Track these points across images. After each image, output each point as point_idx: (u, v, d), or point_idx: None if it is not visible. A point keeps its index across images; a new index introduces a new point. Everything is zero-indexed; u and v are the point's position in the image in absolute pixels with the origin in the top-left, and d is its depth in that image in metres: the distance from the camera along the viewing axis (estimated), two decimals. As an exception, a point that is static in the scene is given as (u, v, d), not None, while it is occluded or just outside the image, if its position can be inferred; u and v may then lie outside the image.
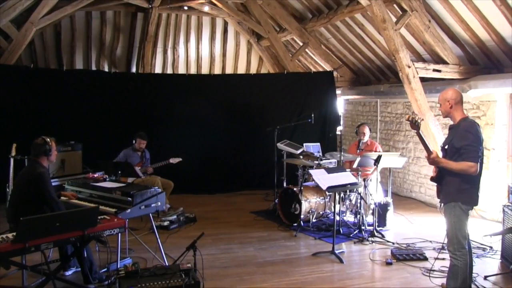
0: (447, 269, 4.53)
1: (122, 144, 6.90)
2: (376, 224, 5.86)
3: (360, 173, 6.09)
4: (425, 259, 4.90)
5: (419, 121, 3.79)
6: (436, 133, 6.56)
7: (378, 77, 9.07)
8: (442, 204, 3.80)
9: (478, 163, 3.52)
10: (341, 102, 10.49)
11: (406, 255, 4.95)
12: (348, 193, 6.32)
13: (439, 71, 6.47)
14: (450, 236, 3.72)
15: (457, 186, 3.65)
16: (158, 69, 10.78)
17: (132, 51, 10.35)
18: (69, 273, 4.41)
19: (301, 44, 9.73)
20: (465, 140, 3.57)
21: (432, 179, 3.92)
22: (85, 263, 4.03)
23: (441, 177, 3.79)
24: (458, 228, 3.65)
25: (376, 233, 5.73)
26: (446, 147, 3.78)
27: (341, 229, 5.91)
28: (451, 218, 3.68)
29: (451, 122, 3.81)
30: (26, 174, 4.10)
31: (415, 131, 3.85)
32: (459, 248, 3.64)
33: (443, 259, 4.87)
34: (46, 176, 4.03)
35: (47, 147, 4.09)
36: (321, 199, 6.24)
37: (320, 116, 8.60)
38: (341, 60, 9.54)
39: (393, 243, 5.46)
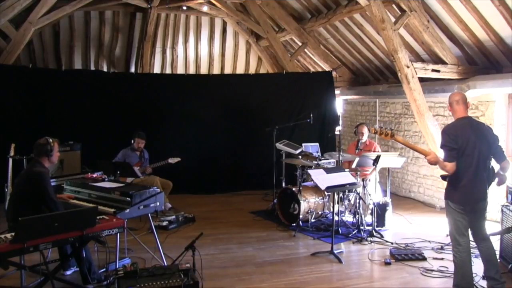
0: (446, 269, 4.60)
1: (121, 144, 6.90)
2: (375, 224, 5.86)
3: (359, 173, 6.10)
4: (424, 259, 4.90)
5: (387, 131, 4.03)
6: (434, 133, 6.56)
7: (377, 77, 9.08)
8: None
9: (453, 163, 3.67)
10: (340, 102, 10.49)
11: (404, 255, 4.95)
12: (347, 193, 6.33)
13: (438, 71, 6.48)
14: (449, 233, 3.94)
15: (448, 185, 3.87)
16: (157, 69, 10.78)
17: (131, 51, 10.35)
18: (69, 272, 4.42)
19: (300, 44, 9.73)
20: (442, 141, 3.81)
21: (442, 176, 4.09)
22: (83, 264, 4.03)
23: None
24: (452, 225, 3.86)
25: (375, 233, 5.73)
26: None
27: (340, 229, 5.91)
28: (446, 215, 3.92)
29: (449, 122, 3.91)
30: (26, 173, 4.11)
31: (391, 139, 4.09)
32: (455, 244, 3.84)
33: (442, 259, 4.90)
34: (45, 176, 4.02)
35: (48, 148, 4.09)
36: (320, 199, 6.24)
37: (319, 116, 8.60)
38: (340, 60, 9.55)
39: (392, 243, 5.47)
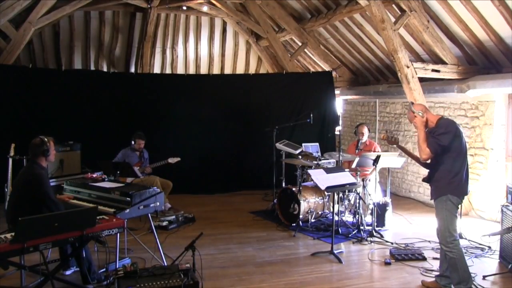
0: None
1: (121, 144, 6.90)
2: (375, 224, 5.86)
3: (359, 173, 6.09)
4: (424, 259, 4.90)
5: (396, 136, 4.13)
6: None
7: (377, 77, 9.08)
8: (433, 201, 4.01)
9: (431, 154, 3.84)
10: (340, 102, 10.49)
11: (404, 255, 4.95)
12: (346, 193, 6.33)
13: (437, 71, 6.48)
14: (442, 231, 3.90)
15: (446, 180, 3.87)
16: (157, 69, 10.78)
17: (130, 51, 10.35)
18: (69, 272, 4.41)
19: (300, 44, 9.73)
20: (439, 130, 3.89)
21: (424, 179, 4.16)
22: (83, 264, 4.03)
23: (431, 176, 4.02)
24: (449, 221, 3.85)
25: (374, 233, 5.73)
26: None
27: (339, 229, 5.91)
28: (443, 212, 3.88)
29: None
30: (24, 175, 4.07)
31: (395, 145, 4.32)
32: (451, 240, 3.84)
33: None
34: (44, 177, 4.00)
35: (45, 147, 4.04)
36: (320, 199, 6.24)
37: (319, 116, 8.60)
38: (340, 60, 9.55)
39: (392, 243, 5.47)
